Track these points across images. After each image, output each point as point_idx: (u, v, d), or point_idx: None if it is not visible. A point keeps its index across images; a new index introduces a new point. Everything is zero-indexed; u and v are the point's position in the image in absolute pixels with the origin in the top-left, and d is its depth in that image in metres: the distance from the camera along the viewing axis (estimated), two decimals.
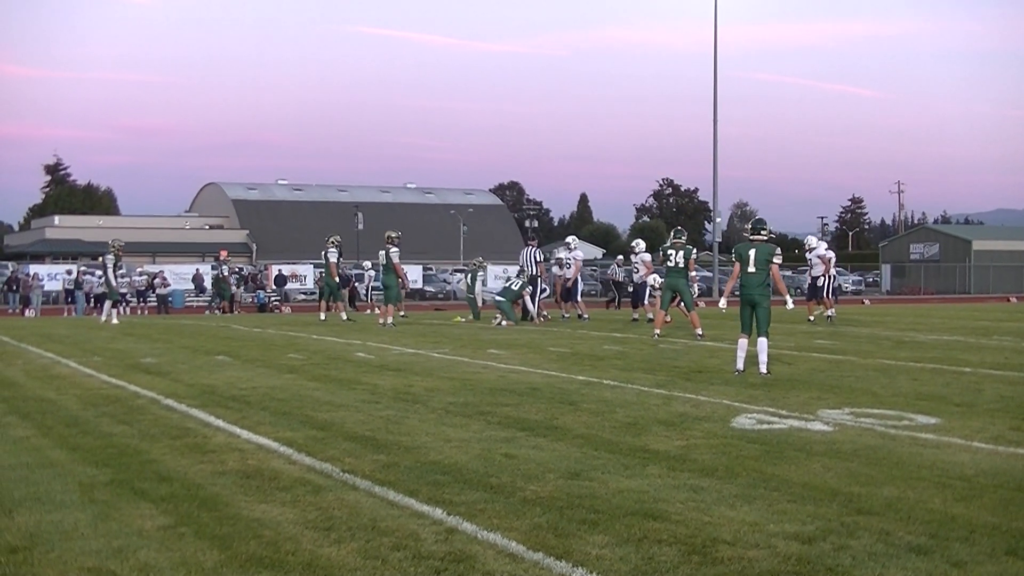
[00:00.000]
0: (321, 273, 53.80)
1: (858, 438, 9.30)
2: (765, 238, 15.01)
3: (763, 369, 14.37)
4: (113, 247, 30.11)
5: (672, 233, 22.73)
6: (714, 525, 6.37)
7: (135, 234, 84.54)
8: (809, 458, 8.36)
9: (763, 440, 9.19)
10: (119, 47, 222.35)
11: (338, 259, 30.12)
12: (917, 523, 6.42)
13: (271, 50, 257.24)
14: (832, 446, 8.89)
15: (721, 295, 17.02)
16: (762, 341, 14.56)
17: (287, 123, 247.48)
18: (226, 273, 45.43)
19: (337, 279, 30.83)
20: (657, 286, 24.81)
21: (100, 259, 30.84)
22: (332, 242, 30.11)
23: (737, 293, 15.54)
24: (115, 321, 29.38)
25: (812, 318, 27.69)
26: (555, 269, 30.69)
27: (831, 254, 29.17)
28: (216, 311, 43.46)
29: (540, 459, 8.35)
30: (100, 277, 45.39)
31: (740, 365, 14.59)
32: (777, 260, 14.86)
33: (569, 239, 31.77)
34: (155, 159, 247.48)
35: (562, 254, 31.00)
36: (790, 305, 15.93)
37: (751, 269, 14.72)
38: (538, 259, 28.77)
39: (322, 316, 29.92)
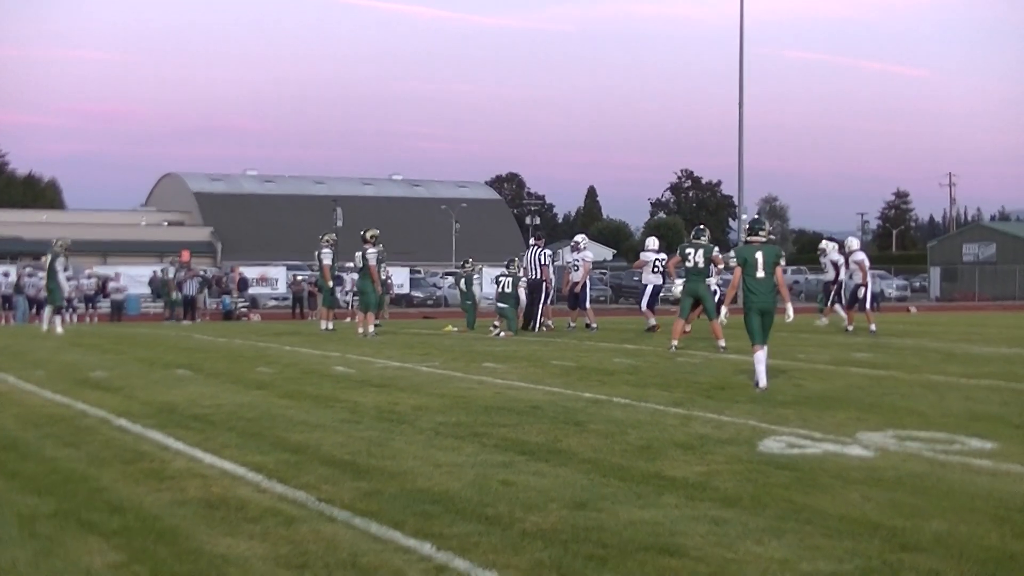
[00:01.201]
0: (295, 276, 54.26)
1: (903, 464, 9.31)
2: (765, 239, 15.42)
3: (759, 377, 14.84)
4: (57, 246, 30.13)
5: (692, 232, 22.74)
6: (738, 562, 6.38)
7: (83, 231, 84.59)
8: (846, 487, 8.36)
9: (794, 466, 9.19)
10: (64, 20, 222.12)
11: (332, 261, 30.02)
12: (971, 561, 6.42)
13: (239, 24, 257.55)
14: (873, 473, 8.89)
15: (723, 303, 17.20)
16: (765, 348, 14.93)
17: (257, 106, 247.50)
18: (171, 275, 45.43)
19: (331, 283, 30.66)
20: (676, 292, 24.79)
21: (42, 259, 30.82)
22: (326, 241, 30.09)
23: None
24: (60, 330, 29.32)
25: (850, 327, 27.62)
26: (587, 254, 30.49)
27: (863, 256, 28.87)
28: (173, 320, 43.54)
29: (542, 487, 8.36)
30: (70, 281, 45.51)
31: (764, 381, 14.68)
32: (783, 263, 15.33)
33: (578, 238, 31.72)
34: (106, 147, 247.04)
35: (569, 255, 31.00)
36: (791, 315, 15.97)
37: (760, 274, 15.04)
38: (543, 262, 28.79)
39: (327, 325, 29.40)
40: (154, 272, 45.90)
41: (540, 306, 28.59)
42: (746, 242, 15.58)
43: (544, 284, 28.75)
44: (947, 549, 6.64)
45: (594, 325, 29.20)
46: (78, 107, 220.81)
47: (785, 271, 29.39)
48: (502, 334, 26.43)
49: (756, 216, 15.72)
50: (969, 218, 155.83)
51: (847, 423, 11.60)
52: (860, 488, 8.30)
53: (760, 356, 14.82)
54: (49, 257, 30.32)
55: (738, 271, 15.32)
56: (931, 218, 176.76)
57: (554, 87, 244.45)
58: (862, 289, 28.01)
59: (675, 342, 21.43)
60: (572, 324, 29.67)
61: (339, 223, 79.68)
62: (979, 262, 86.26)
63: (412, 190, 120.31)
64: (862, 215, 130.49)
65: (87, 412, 12.78)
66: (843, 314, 29.09)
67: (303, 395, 14.23)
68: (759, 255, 15.07)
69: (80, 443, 10.58)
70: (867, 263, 28.53)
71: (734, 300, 16.45)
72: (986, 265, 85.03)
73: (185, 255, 61.13)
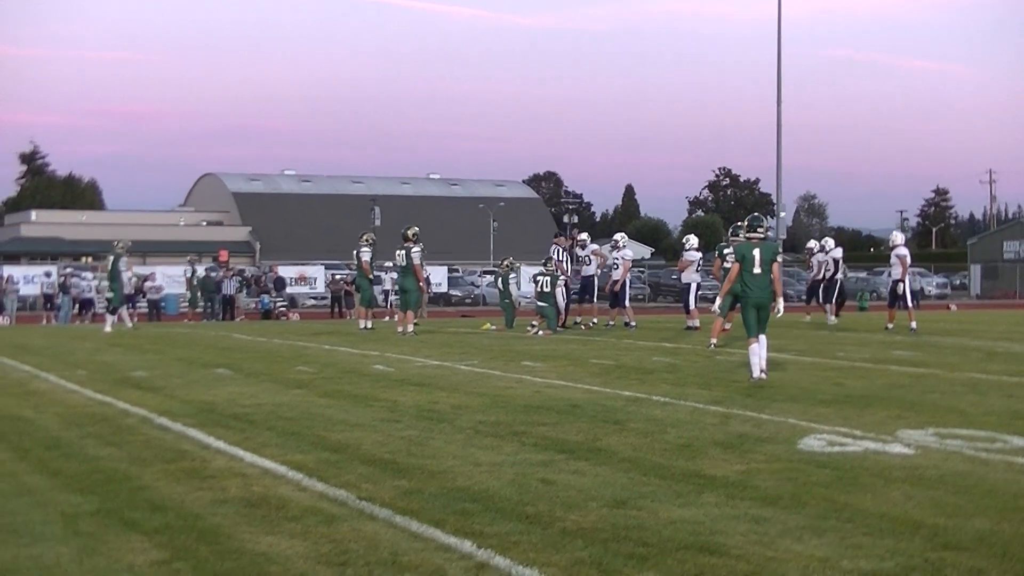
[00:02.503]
0: (334, 275, 54.34)
1: (944, 463, 9.26)
2: (763, 236, 16.07)
3: (763, 366, 15.48)
4: (119, 247, 31.67)
5: (730, 229, 22.74)
6: (779, 561, 6.36)
7: (123, 231, 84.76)
8: (887, 485, 8.33)
9: (834, 464, 9.16)
10: (103, 22, 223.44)
11: (371, 258, 30.25)
12: (1014, 560, 6.39)
13: (276, 25, 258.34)
14: (914, 472, 8.86)
15: (716, 297, 17.82)
16: (762, 339, 15.59)
17: (294, 107, 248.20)
18: (190, 275, 45.67)
19: (371, 279, 30.99)
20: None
21: (104, 261, 31.86)
22: (366, 240, 30.42)
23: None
24: (108, 329, 29.72)
25: (891, 325, 27.51)
26: (627, 252, 30.56)
27: (906, 252, 28.74)
28: (208, 318, 43.84)
29: (581, 485, 8.36)
30: (94, 280, 45.77)
31: (756, 372, 15.42)
32: (779, 259, 16.17)
33: (617, 236, 31.76)
34: (145, 147, 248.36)
35: (610, 253, 31.01)
36: (780, 311, 16.29)
37: (757, 270, 15.69)
38: (560, 259, 28.73)
39: (366, 324, 29.54)
40: (201, 271, 46.06)
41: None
42: (746, 239, 16.09)
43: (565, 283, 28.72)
44: (989, 548, 6.61)
45: (633, 323, 29.18)
46: (117, 108, 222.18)
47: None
48: (540, 332, 26.42)
49: (755, 214, 16.30)
50: (1010, 215, 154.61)
51: (888, 421, 11.55)
52: (901, 486, 8.27)
53: (755, 348, 15.50)
54: (111, 258, 31.23)
55: (735, 267, 15.99)
56: (971, 215, 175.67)
57: (591, 86, 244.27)
58: (900, 285, 27.69)
59: (714, 340, 21.40)
60: (611, 323, 29.67)
61: (377, 222, 79.82)
62: (1020, 260, 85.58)
63: (449, 189, 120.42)
64: (901, 212, 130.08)
65: (128, 411, 12.86)
66: (831, 315, 30.76)
67: (342, 394, 14.27)
68: (756, 252, 15.72)
69: (121, 442, 10.65)
70: (908, 259, 28.24)
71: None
72: None
73: (223, 255, 61.41)
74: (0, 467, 9.45)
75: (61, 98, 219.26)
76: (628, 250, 30.91)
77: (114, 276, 31.17)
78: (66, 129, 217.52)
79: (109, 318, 30.90)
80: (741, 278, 15.84)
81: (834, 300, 31.43)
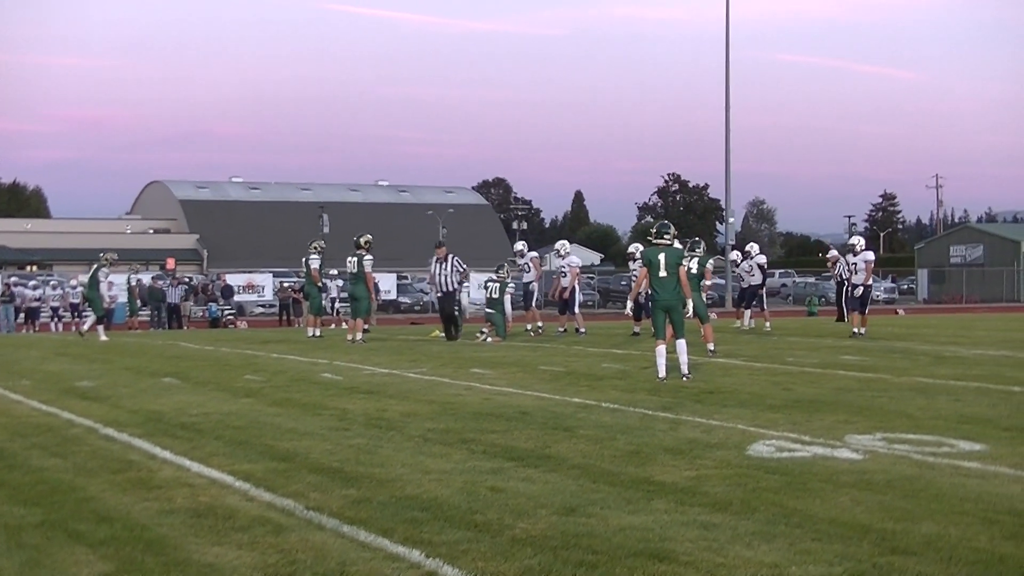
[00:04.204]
0: (282, 283, 54.14)
1: (892, 467, 9.33)
2: (669, 242, 16.94)
3: (684, 370, 16.31)
4: (104, 259, 31.89)
5: (689, 244, 23.14)
6: (729, 567, 6.38)
7: (68, 239, 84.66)
8: (836, 490, 8.38)
9: (784, 470, 9.21)
10: (49, 27, 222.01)
11: (320, 266, 30.19)
12: (961, 564, 6.43)
13: (223, 30, 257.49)
14: (862, 476, 8.91)
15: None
16: (680, 343, 16.47)
17: (242, 113, 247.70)
18: (133, 283, 45.40)
19: (320, 287, 30.90)
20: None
21: (92, 270, 31.93)
22: (315, 247, 30.35)
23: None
24: (104, 337, 29.91)
25: (861, 330, 27.07)
26: (573, 259, 30.53)
27: (873, 256, 28.58)
28: (155, 327, 43.62)
29: (531, 493, 8.37)
30: (79, 288, 45.42)
31: (663, 373, 16.22)
32: (685, 263, 17.11)
33: (559, 244, 32.02)
34: (91, 154, 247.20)
35: (556, 262, 31.08)
36: (690, 309, 17.05)
37: (662, 274, 16.56)
38: (434, 271, 28.11)
39: (315, 332, 29.45)
40: (128, 280, 45.72)
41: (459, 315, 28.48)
42: (653, 244, 16.89)
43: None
44: (937, 552, 6.66)
45: (583, 330, 29.23)
46: (63, 114, 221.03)
47: (751, 272, 30.15)
48: (489, 339, 26.44)
49: (663, 221, 17.17)
50: (956, 220, 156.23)
51: (836, 426, 11.62)
52: (850, 491, 8.31)
53: (660, 350, 16.28)
54: (94, 267, 31.46)
55: (643, 271, 17.31)
56: (918, 220, 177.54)
57: (541, 91, 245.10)
58: (860, 289, 27.47)
59: (711, 346, 21.44)
60: (561, 329, 29.71)
61: (325, 229, 79.66)
62: (967, 264, 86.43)
63: (398, 196, 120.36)
64: (849, 217, 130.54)
65: (74, 422, 12.75)
66: (765, 318, 31.38)
67: (291, 403, 14.22)
68: (662, 256, 16.60)
69: (67, 453, 10.56)
70: (873, 264, 28.19)
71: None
72: (974, 267, 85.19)
73: (171, 263, 61.08)
74: None
75: (5, 103, 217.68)
76: (574, 256, 31.04)
77: (92, 285, 31.28)
78: (10, 135, 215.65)
79: (100, 328, 30.94)
80: (650, 282, 16.79)
81: (752, 304, 31.97)
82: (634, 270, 29.09)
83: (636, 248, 29.70)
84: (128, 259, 67.11)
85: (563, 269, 30.04)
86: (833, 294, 32.23)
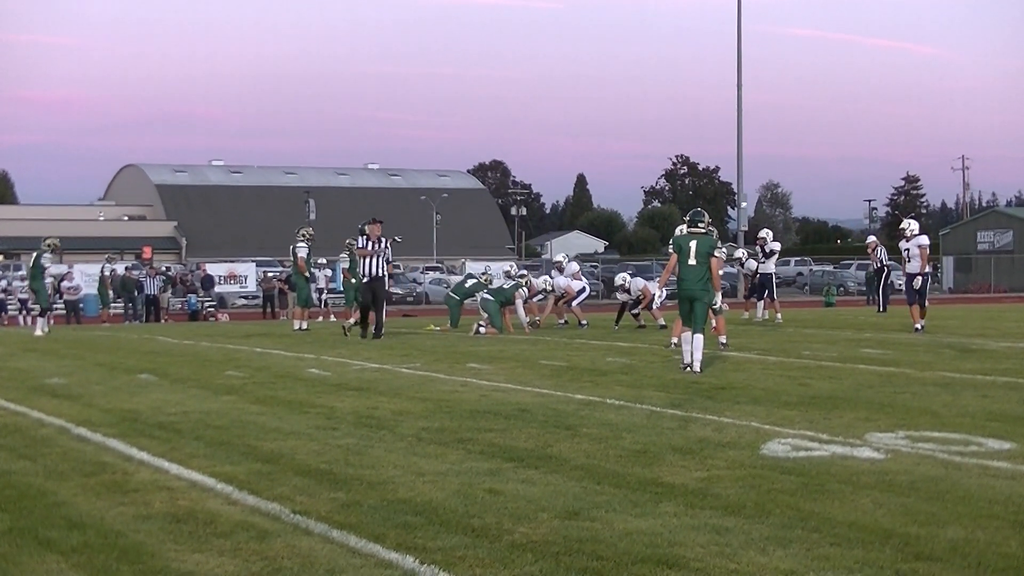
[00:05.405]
0: (266, 273, 54.17)
1: (915, 467, 9.33)
2: (704, 230, 17.16)
3: (696, 368, 16.38)
4: (44, 244, 31.27)
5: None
6: (742, 573, 6.39)
7: (37, 227, 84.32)
8: (856, 492, 8.38)
9: (800, 470, 9.21)
10: (15, 3, 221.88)
11: (308, 254, 30.17)
12: (989, 571, 6.44)
13: (204, 5, 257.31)
14: (884, 477, 8.92)
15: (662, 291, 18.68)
16: (698, 338, 16.51)
17: (222, 93, 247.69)
18: (107, 273, 45.42)
19: (307, 277, 30.81)
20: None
21: (32, 258, 31.24)
22: (302, 235, 30.45)
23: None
24: (39, 332, 29.74)
25: (920, 326, 26.01)
26: (560, 280, 30.50)
27: (927, 241, 26.96)
28: (130, 320, 43.64)
29: (531, 495, 8.37)
30: (25, 281, 45.40)
31: (688, 359, 16.55)
32: (718, 254, 17.45)
33: (559, 257, 32.37)
34: (62, 137, 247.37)
35: (559, 281, 30.81)
36: (718, 304, 17.54)
37: (691, 262, 16.81)
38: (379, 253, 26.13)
39: (302, 325, 29.45)
40: (102, 270, 45.69)
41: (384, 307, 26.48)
42: (688, 232, 17.14)
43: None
44: (964, 558, 6.66)
45: (585, 322, 29.26)
46: (31, 95, 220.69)
47: (764, 260, 30.23)
48: (484, 330, 26.46)
49: (697, 209, 17.44)
50: (984, 204, 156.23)
51: (856, 424, 11.62)
52: (870, 493, 8.32)
53: (687, 336, 16.56)
54: (35, 255, 30.79)
55: (673, 257, 17.32)
56: (943, 204, 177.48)
57: (541, 69, 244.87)
58: (918, 279, 26.29)
59: (675, 339, 21.42)
60: (562, 321, 29.73)
61: (312, 216, 79.66)
62: (995, 251, 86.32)
63: (389, 180, 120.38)
64: (870, 202, 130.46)
65: (44, 421, 12.74)
66: (776, 309, 31.23)
67: (276, 400, 14.22)
68: (693, 244, 16.88)
69: (36, 455, 10.55)
70: (928, 250, 26.82)
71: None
72: (1002, 254, 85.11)
73: (147, 252, 61.05)
74: None
75: None
76: (573, 264, 31.33)
77: (36, 275, 30.81)
78: None
79: (40, 321, 30.75)
80: (678, 270, 16.98)
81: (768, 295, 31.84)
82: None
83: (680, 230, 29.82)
84: (102, 248, 67.26)
85: (571, 284, 30.15)
86: (854, 283, 32.12)
